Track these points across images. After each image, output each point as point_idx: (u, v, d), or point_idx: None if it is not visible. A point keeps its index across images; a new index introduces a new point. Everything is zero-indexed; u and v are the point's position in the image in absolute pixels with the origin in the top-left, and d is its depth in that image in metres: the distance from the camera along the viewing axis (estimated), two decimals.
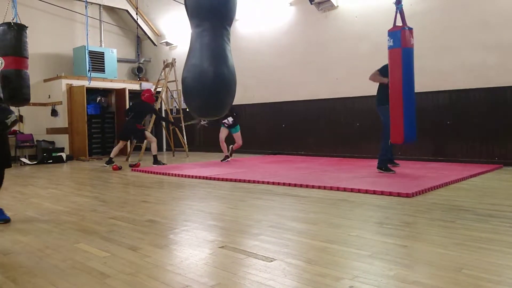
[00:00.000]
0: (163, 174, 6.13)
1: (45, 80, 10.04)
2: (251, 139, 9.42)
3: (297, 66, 8.64)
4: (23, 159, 8.55)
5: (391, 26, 4.84)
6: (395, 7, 4.80)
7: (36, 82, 9.75)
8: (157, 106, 9.22)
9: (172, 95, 10.62)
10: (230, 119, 7.53)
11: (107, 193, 4.51)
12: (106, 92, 10.77)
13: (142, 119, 7.90)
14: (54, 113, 9.76)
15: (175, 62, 9.56)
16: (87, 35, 8.96)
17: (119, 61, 11.19)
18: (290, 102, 8.74)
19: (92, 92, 10.29)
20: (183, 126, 9.22)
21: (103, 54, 10.41)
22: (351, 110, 7.82)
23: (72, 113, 9.58)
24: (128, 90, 10.53)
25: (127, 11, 11.42)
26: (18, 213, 3.46)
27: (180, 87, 10.06)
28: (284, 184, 4.74)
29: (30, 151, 9.44)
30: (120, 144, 7.81)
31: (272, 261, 2.12)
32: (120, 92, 10.57)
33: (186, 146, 9.56)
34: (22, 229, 2.94)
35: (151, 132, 8.78)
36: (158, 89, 9.59)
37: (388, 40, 4.79)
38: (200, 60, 3.26)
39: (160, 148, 11.32)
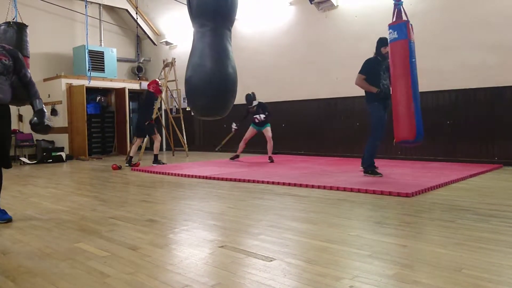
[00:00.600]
0: (163, 173, 6.13)
1: (44, 80, 10.04)
2: (251, 139, 9.42)
3: (297, 66, 8.63)
4: (23, 159, 8.55)
5: None
6: (394, 4, 4.65)
7: (36, 82, 9.66)
8: (157, 105, 9.20)
9: (172, 95, 10.62)
10: (262, 115, 7.31)
11: (107, 193, 4.50)
12: (106, 91, 10.77)
13: (150, 113, 7.62)
14: (54, 112, 9.76)
15: (174, 61, 9.56)
16: (87, 34, 8.96)
17: (119, 60, 11.18)
18: (290, 102, 8.73)
19: (92, 92, 10.29)
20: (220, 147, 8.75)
21: (103, 54, 10.41)
22: (351, 110, 7.81)
23: (72, 112, 9.58)
24: (128, 89, 10.53)
25: (127, 10, 11.42)
26: (17, 213, 3.46)
27: (180, 87, 10.11)
28: (284, 183, 4.74)
29: (29, 151, 9.44)
30: (138, 141, 7.64)
31: (272, 260, 2.12)
32: (120, 92, 10.56)
33: (186, 145, 9.56)
34: (22, 228, 2.94)
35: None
36: None
37: (391, 32, 4.52)
38: (206, 60, 3.30)
39: (160, 148, 11.31)
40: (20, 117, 9.44)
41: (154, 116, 7.80)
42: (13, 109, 4.23)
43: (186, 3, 3.57)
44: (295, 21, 8.72)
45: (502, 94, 6.14)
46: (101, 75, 10.25)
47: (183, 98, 11.14)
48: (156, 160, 7.31)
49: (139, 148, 8.87)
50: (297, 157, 8.21)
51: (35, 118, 3.17)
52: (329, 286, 1.77)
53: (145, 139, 7.91)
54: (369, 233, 2.64)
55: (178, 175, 5.88)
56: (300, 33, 8.62)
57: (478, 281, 1.78)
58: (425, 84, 6.57)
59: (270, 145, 7.40)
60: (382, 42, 5.12)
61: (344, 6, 7.90)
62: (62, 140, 9.57)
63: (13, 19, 6.57)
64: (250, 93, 7.45)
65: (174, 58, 9.71)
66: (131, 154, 7.52)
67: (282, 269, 1.99)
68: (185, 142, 9.55)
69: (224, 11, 3.39)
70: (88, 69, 9.45)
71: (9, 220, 3.12)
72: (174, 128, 9.61)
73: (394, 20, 4.57)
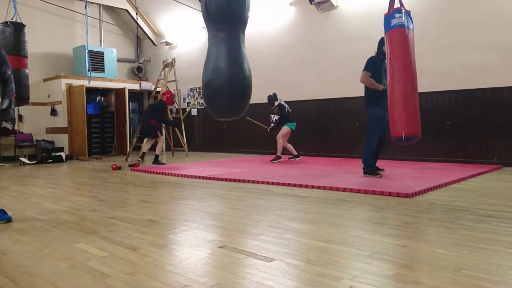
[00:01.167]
0: (162, 174, 6.13)
1: (44, 80, 10.04)
2: (251, 139, 9.43)
3: (297, 66, 8.64)
4: (23, 159, 8.54)
5: None
6: None
7: (36, 82, 9.75)
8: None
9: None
10: (276, 117, 7.39)
11: (106, 193, 4.50)
12: (105, 91, 10.77)
13: (155, 116, 7.67)
14: (53, 112, 9.76)
15: (174, 62, 9.55)
16: (86, 34, 8.95)
17: (118, 60, 11.18)
18: (290, 102, 8.70)
19: (91, 92, 10.29)
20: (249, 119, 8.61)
21: (103, 54, 10.41)
22: (351, 110, 7.82)
23: (71, 112, 9.58)
24: (128, 90, 10.53)
25: (127, 10, 11.42)
26: (17, 213, 3.46)
27: (180, 87, 10.10)
28: (284, 184, 4.74)
29: (29, 151, 9.43)
30: (149, 141, 7.78)
31: (271, 261, 2.12)
32: (119, 92, 10.56)
33: (186, 146, 9.56)
34: (21, 228, 2.94)
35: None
36: (158, 89, 9.58)
37: (394, 18, 4.20)
38: (226, 64, 3.45)
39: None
40: (20, 117, 9.44)
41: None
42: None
43: (200, 8, 3.65)
44: (295, 22, 8.72)
45: (502, 95, 6.14)
46: (101, 75, 10.25)
47: (183, 98, 11.15)
48: (156, 161, 7.32)
49: (139, 148, 8.87)
50: None
51: None
52: (329, 286, 1.77)
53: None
54: (369, 234, 2.64)
55: (178, 175, 5.88)
56: (300, 33, 8.62)
57: (478, 282, 1.78)
58: (425, 85, 6.57)
59: (277, 144, 7.51)
60: (384, 41, 5.08)
61: (344, 7, 7.90)
62: (62, 140, 9.57)
63: (12, 19, 6.56)
64: (271, 94, 7.49)
65: (174, 59, 9.70)
66: (144, 151, 7.66)
67: (282, 269, 1.99)
68: (185, 142, 9.55)
69: (242, 15, 3.55)
70: (88, 69, 9.44)
71: (9, 220, 3.12)
72: (174, 128, 9.60)
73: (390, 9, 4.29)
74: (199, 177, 5.59)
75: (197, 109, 10.97)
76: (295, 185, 4.63)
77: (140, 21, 11.53)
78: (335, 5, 7.93)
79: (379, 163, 5.45)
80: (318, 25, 8.29)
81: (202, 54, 10.68)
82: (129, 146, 9.32)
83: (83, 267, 2.07)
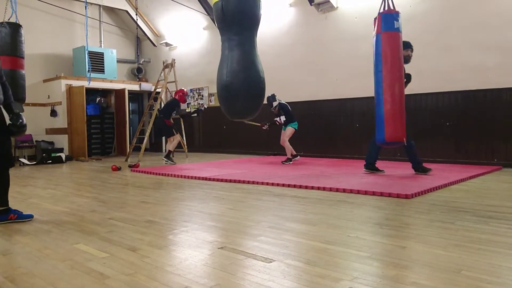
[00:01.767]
0: (162, 174, 6.13)
1: (44, 81, 10.04)
2: (251, 140, 9.43)
3: (297, 67, 8.64)
4: (22, 160, 8.54)
5: None
6: None
7: (36, 83, 9.76)
8: (157, 106, 9.22)
9: (171, 96, 10.59)
10: (282, 118, 7.26)
11: (106, 194, 4.50)
12: (105, 92, 10.77)
13: (169, 115, 7.87)
14: (53, 113, 9.76)
15: (174, 62, 9.56)
16: (86, 35, 8.96)
17: (118, 61, 11.19)
18: (290, 103, 8.70)
19: (91, 93, 10.29)
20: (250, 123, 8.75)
21: (103, 55, 10.41)
22: (350, 111, 7.82)
23: (71, 113, 9.58)
24: (128, 90, 10.53)
25: (126, 11, 11.43)
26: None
27: (180, 88, 10.08)
28: (283, 185, 4.74)
29: (29, 152, 9.44)
30: (176, 138, 7.84)
31: (271, 262, 2.11)
32: (119, 93, 10.56)
33: (186, 146, 9.56)
34: (21, 229, 2.94)
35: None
36: (158, 90, 9.59)
37: (396, 21, 4.33)
38: (244, 67, 3.61)
39: (160, 149, 11.32)
40: None
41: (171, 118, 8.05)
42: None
43: (215, 13, 3.71)
44: (295, 22, 8.73)
45: (501, 96, 6.15)
46: (101, 76, 10.26)
47: None
48: (168, 156, 7.44)
49: (139, 149, 8.88)
50: None
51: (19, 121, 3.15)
52: (329, 287, 1.77)
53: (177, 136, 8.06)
54: (369, 235, 2.64)
55: (178, 176, 5.88)
56: (300, 34, 8.62)
57: (478, 283, 1.78)
58: (425, 86, 6.59)
59: (285, 148, 7.36)
60: (405, 44, 5.02)
61: (344, 8, 7.91)
62: (61, 141, 9.56)
63: (9, 19, 6.56)
64: (270, 95, 7.46)
65: (174, 59, 9.71)
66: (170, 149, 7.73)
67: (282, 270, 1.99)
68: (185, 143, 9.55)
69: (257, 18, 3.69)
70: (88, 70, 9.45)
71: (30, 218, 3.21)
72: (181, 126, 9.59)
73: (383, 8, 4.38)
74: (199, 178, 5.59)
75: (197, 109, 10.95)
76: (295, 186, 4.63)
77: (140, 22, 11.54)
78: (335, 6, 7.94)
79: (379, 164, 5.48)
80: (318, 26, 8.29)
81: (202, 55, 10.80)
82: (129, 147, 9.31)
83: (83, 268, 2.07)
